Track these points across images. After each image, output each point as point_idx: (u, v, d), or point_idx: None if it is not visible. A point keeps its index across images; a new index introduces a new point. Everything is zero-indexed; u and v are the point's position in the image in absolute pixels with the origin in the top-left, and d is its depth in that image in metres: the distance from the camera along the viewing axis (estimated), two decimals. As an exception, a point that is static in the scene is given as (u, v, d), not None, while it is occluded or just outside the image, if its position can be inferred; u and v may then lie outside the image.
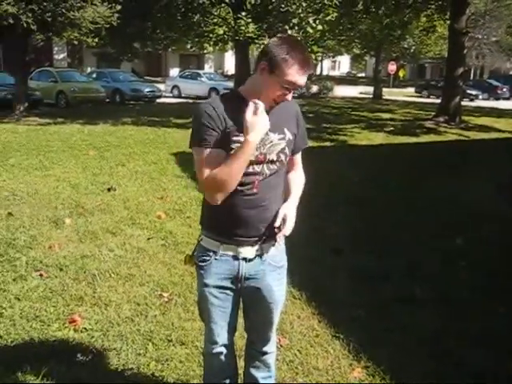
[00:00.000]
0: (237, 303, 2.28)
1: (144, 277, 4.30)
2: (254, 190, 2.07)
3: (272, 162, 2.08)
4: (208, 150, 1.99)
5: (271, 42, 2.00)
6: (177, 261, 4.54)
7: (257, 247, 2.15)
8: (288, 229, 2.07)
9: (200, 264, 2.21)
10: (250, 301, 2.27)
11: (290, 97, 2.02)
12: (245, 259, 2.16)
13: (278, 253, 2.23)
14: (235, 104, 2.02)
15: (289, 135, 2.13)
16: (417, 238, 5.57)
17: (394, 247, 5.24)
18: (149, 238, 5.24)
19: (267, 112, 1.98)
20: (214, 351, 2.33)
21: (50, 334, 3.35)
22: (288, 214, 2.08)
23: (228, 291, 2.20)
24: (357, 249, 5.14)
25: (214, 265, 2.17)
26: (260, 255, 2.17)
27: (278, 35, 2.09)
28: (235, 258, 2.15)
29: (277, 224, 2.06)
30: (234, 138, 1.99)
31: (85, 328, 3.45)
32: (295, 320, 3.69)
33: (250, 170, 2.04)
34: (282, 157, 2.10)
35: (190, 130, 2.09)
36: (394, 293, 4.15)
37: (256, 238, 2.13)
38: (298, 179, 2.29)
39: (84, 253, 4.75)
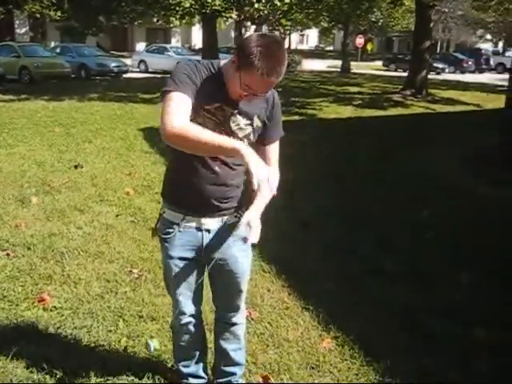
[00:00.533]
0: (201, 274, 2.30)
1: (113, 254, 4.28)
2: (216, 169, 2.07)
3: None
4: (185, 95, 1.90)
5: (252, 38, 1.89)
6: (146, 237, 4.53)
7: (219, 218, 2.17)
8: (255, 237, 1.97)
9: (164, 236, 2.21)
10: (215, 272, 2.28)
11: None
12: (208, 230, 2.17)
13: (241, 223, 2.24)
14: (213, 78, 1.99)
15: (257, 122, 2.11)
16: (385, 211, 5.66)
17: (362, 220, 5.32)
18: (117, 215, 5.20)
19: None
20: (182, 322, 2.35)
21: (19, 314, 3.31)
22: (252, 221, 1.97)
23: (192, 262, 2.22)
24: (326, 223, 5.20)
25: (177, 237, 2.18)
26: (223, 226, 2.19)
27: (262, 33, 1.98)
28: (198, 229, 2.17)
29: (240, 232, 2.10)
30: (205, 106, 1.98)
31: (54, 307, 3.42)
32: (265, 293, 3.74)
33: None
34: (246, 142, 2.06)
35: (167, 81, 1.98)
36: (363, 266, 4.23)
37: (218, 208, 2.15)
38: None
39: (52, 231, 4.69)
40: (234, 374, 2.54)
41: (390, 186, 6.69)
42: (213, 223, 2.17)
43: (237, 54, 1.91)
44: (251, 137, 2.11)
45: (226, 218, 2.18)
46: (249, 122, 2.08)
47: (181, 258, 2.21)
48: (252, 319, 3.35)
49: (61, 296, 3.57)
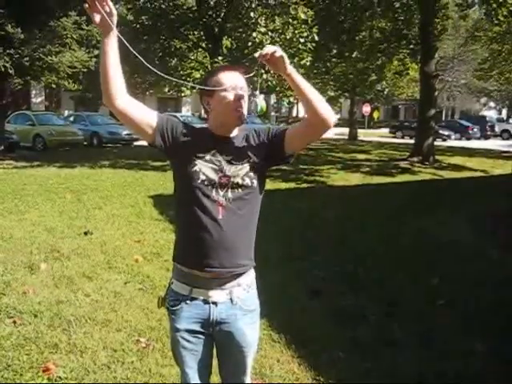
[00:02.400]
0: (210, 346, 2.26)
1: (121, 322, 4.23)
2: (219, 217, 2.07)
3: (237, 185, 2.09)
4: (154, 112, 2.17)
5: (201, 86, 2.15)
6: (154, 305, 4.47)
7: (227, 291, 2.15)
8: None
9: (171, 308, 2.20)
10: (222, 345, 2.25)
11: (241, 107, 2.10)
12: (215, 303, 2.15)
13: (249, 297, 2.22)
14: (201, 134, 2.17)
15: (254, 158, 2.14)
16: (396, 276, 5.59)
17: (373, 286, 5.25)
18: (126, 283, 5.17)
19: (232, 142, 2.15)
20: None
21: (23, 384, 3.25)
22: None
23: (200, 335, 2.19)
24: (336, 289, 5.14)
25: (184, 309, 2.16)
26: (231, 299, 2.16)
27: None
28: (205, 301, 2.15)
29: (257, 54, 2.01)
30: (199, 154, 2.10)
31: (59, 377, 3.36)
32: (275, 363, 3.65)
33: (213, 193, 2.07)
34: (247, 180, 2.10)
35: None
36: (374, 334, 4.14)
37: (227, 274, 2.12)
38: None
39: (59, 298, 4.66)
40: None
41: (400, 250, 6.64)
42: (220, 296, 2.15)
43: (204, 98, 2.17)
44: (251, 174, 2.12)
45: (234, 290, 2.16)
46: (245, 160, 2.13)
47: (188, 331, 2.17)
48: (261, 391, 3.27)
49: (66, 365, 3.50)
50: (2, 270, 5.34)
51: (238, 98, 2.09)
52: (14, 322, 4.12)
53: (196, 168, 2.07)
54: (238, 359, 2.27)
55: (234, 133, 2.17)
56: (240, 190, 2.10)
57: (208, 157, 2.09)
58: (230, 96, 2.08)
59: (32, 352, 3.66)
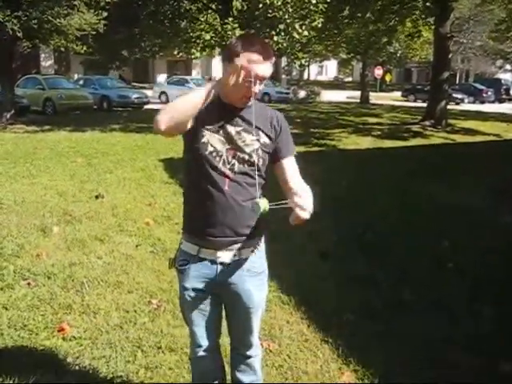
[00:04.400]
0: (218, 306, 2.30)
1: (133, 284, 4.30)
2: (225, 188, 2.08)
3: (243, 160, 2.09)
4: None
5: (229, 45, 2.06)
6: (165, 267, 4.50)
7: (234, 252, 2.17)
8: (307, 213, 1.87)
9: (179, 268, 2.23)
10: (230, 305, 2.29)
11: (256, 88, 2.02)
12: (222, 264, 2.17)
13: (257, 259, 2.24)
14: (211, 104, 2.05)
15: (264, 138, 2.13)
16: (406, 241, 5.60)
17: (383, 251, 5.27)
18: (137, 245, 5.23)
19: (243, 114, 2.09)
20: (199, 354, 2.34)
21: (39, 343, 3.33)
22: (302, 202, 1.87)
23: (207, 294, 2.22)
24: (346, 253, 5.17)
25: (192, 268, 2.19)
26: (238, 260, 2.18)
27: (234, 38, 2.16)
28: (213, 262, 2.17)
29: (289, 202, 1.86)
30: (207, 127, 2.08)
31: (73, 336, 3.43)
32: (284, 325, 3.70)
33: (220, 165, 2.07)
34: (255, 157, 2.10)
35: None
36: (384, 297, 4.18)
37: (233, 239, 2.14)
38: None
39: (72, 261, 4.73)
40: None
41: (411, 215, 6.64)
42: (228, 257, 2.17)
43: (226, 61, 2.03)
44: (260, 152, 2.12)
45: (241, 251, 2.18)
46: (255, 137, 2.11)
47: (195, 290, 2.21)
48: (270, 351, 3.32)
49: (80, 326, 3.58)
50: (16, 233, 5.42)
51: (251, 88, 2.01)
52: (29, 284, 4.20)
53: (204, 139, 2.07)
54: (245, 319, 2.30)
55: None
56: (246, 165, 2.10)
57: (216, 128, 2.08)
58: (247, 84, 1.99)
59: (47, 313, 3.74)
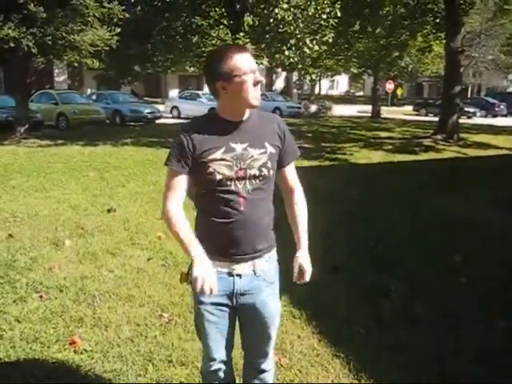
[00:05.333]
0: (233, 320, 2.29)
1: (144, 297, 4.30)
2: (242, 208, 2.10)
3: (254, 177, 2.11)
4: (181, 175, 2.13)
5: (208, 63, 2.11)
6: (177, 281, 4.52)
7: (250, 263, 2.18)
8: (307, 277, 2.29)
9: None
10: (246, 317, 2.29)
11: (258, 91, 2.08)
12: (239, 275, 2.18)
13: (271, 268, 2.26)
14: (211, 124, 2.11)
15: (270, 149, 2.15)
16: (418, 254, 5.57)
17: (394, 264, 5.24)
18: (149, 259, 5.24)
19: (246, 126, 2.11)
20: (212, 368, 2.33)
21: (50, 356, 3.34)
22: (303, 263, 2.25)
23: (224, 307, 2.22)
24: (358, 266, 5.14)
25: None
26: (254, 271, 2.20)
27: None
28: (230, 274, 2.18)
29: (294, 279, 2.26)
30: (210, 157, 2.07)
31: (85, 349, 3.44)
32: (295, 339, 3.69)
33: (232, 187, 2.09)
34: (265, 171, 2.12)
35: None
36: (395, 310, 4.15)
37: (252, 255, 2.17)
38: (301, 208, 2.32)
39: (84, 274, 4.75)
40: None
41: (422, 228, 6.60)
42: (244, 268, 2.18)
43: (216, 80, 2.05)
44: (269, 164, 2.13)
45: (256, 262, 2.19)
46: (262, 150, 2.12)
47: (212, 304, 2.20)
48: (281, 366, 3.31)
49: (91, 339, 3.58)
50: (29, 246, 5.46)
51: (258, 82, 2.07)
52: (41, 297, 4.22)
53: (210, 169, 2.08)
54: (261, 330, 2.30)
55: (246, 115, 2.15)
56: (257, 180, 2.12)
57: (219, 155, 2.08)
58: (250, 81, 2.04)
59: (58, 325, 3.75)
